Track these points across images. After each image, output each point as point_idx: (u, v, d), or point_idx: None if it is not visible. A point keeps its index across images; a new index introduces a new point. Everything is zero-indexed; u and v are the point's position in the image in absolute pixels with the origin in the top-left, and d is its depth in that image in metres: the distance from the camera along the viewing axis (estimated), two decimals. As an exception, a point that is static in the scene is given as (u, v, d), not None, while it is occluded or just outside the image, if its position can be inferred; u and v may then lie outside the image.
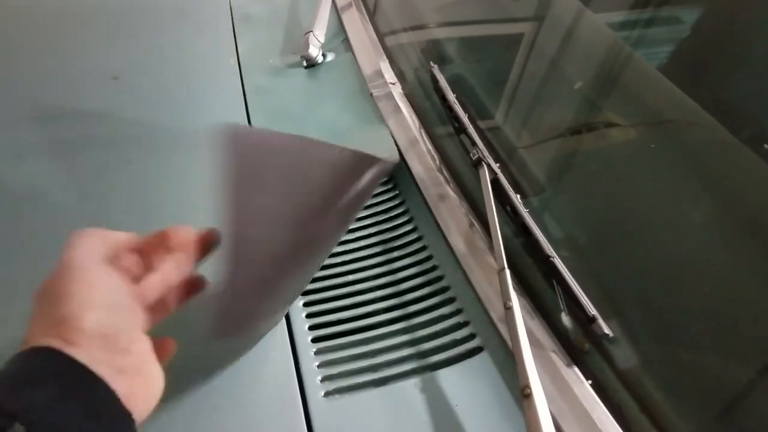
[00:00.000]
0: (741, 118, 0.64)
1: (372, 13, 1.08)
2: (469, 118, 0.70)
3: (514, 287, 0.53)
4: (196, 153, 0.72)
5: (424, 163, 0.73)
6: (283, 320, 0.58)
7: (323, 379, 0.53)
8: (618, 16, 0.85)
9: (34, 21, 1.08)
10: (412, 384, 0.53)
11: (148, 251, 0.43)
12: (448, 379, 0.53)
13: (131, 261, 0.42)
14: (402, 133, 0.78)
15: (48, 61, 0.96)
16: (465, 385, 0.53)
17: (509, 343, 0.54)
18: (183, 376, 0.51)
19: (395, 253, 0.65)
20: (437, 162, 0.73)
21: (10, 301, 0.46)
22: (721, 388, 0.49)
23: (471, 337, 0.57)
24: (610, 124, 0.71)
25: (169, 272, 0.43)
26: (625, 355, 0.52)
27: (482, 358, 0.55)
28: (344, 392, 0.52)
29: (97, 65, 0.94)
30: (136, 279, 0.41)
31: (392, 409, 0.51)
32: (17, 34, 1.04)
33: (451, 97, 0.73)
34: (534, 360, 0.50)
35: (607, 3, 0.87)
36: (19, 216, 0.69)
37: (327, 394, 0.52)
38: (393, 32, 1.03)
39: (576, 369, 0.52)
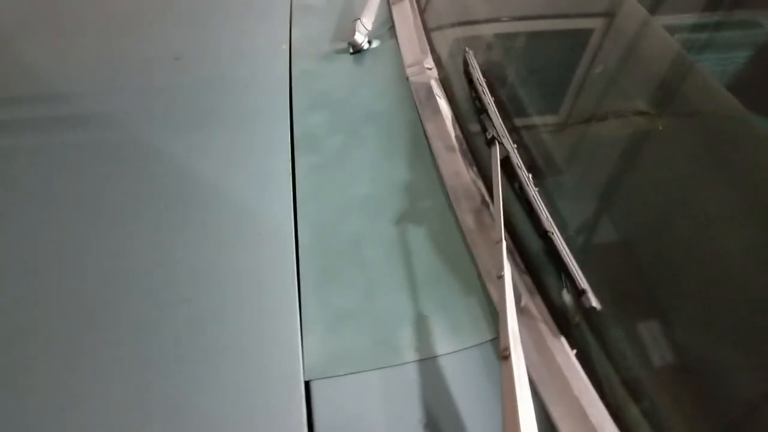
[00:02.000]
0: None
1: (423, 8, 1.10)
2: (494, 101, 0.72)
3: (508, 258, 0.55)
4: (239, 129, 0.79)
5: (445, 142, 0.75)
6: (296, 296, 0.61)
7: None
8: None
9: (108, 6, 1.18)
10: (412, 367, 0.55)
11: None
12: (449, 364, 0.55)
13: None
14: (430, 116, 0.81)
15: (119, 42, 1.06)
16: (465, 370, 0.54)
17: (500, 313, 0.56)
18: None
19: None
20: (459, 142, 0.75)
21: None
22: (703, 367, 0.48)
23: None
24: (622, 113, 0.71)
25: None
26: (612, 330, 0.52)
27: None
28: (345, 373, 0.54)
29: (163, 47, 1.02)
30: None
31: (391, 391, 0.53)
32: (93, 19, 1.15)
33: (478, 78, 0.75)
34: (522, 329, 0.51)
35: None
36: (89, 170, 0.77)
37: (327, 375, 0.54)
38: (438, 25, 1.05)
39: (563, 339, 0.53)
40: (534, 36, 0.95)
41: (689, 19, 0.84)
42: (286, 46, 1.03)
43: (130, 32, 1.09)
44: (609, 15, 0.89)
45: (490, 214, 0.65)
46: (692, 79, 0.74)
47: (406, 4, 1.11)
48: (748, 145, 0.62)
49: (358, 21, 1.00)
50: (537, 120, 0.76)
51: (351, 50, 1.00)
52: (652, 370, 0.49)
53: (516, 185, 0.63)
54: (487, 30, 1.00)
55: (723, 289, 0.51)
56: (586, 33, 0.83)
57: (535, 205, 0.59)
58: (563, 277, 0.55)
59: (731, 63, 0.74)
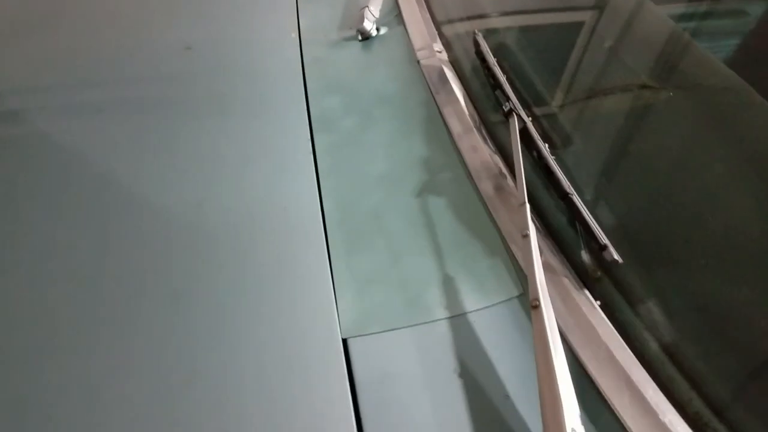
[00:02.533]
0: None
1: (426, -7, 1.14)
2: (505, 78, 0.75)
3: (532, 219, 0.58)
4: (254, 116, 0.81)
5: (461, 119, 0.78)
6: (326, 262, 0.64)
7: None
8: None
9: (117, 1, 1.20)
10: (443, 324, 0.57)
11: None
12: (479, 319, 0.58)
13: None
14: (444, 96, 0.84)
15: (131, 32, 1.08)
16: (494, 324, 0.57)
17: (525, 270, 0.60)
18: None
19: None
20: (475, 119, 0.78)
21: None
22: (714, 308, 0.52)
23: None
24: (638, 86, 0.74)
25: None
26: (632, 282, 0.56)
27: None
28: (379, 330, 0.57)
29: (174, 37, 1.05)
30: None
31: (424, 346, 0.56)
32: (105, 11, 1.17)
33: (491, 58, 0.78)
34: (547, 283, 0.54)
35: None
36: (99, 161, 0.79)
37: (362, 333, 0.57)
38: (444, 10, 1.08)
39: (586, 291, 0.56)
40: (538, 19, 0.98)
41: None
42: (295, 35, 1.06)
43: (139, 25, 1.11)
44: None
45: (509, 183, 0.68)
46: (690, 55, 0.77)
47: (410, -8, 1.14)
48: (745, 112, 0.66)
49: (366, 9, 1.04)
50: (546, 95, 0.79)
51: (360, 37, 1.03)
52: (670, 315, 0.53)
53: (534, 153, 0.66)
54: (493, 13, 1.03)
55: (727, 240, 0.54)
56: (590, 15, 0.87)
57: (555, 169, 0.62)
58: (584, 235, 0.59)
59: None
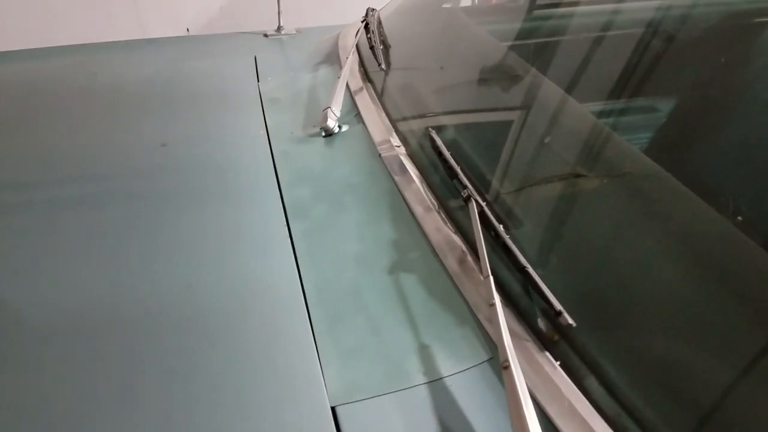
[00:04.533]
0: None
1: (380, 95, 1.26)
2: (459, 168, 0.86)
3: (496, 290, 0.66)
4: (233, 205, 0.88)
5: (423, 205, 0.88)
6: (311, 336, 0.69)
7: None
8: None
9: (97, 101, 1.27)
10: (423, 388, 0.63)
11: None
12: (455, 382, 0.64)
13: None
14: (406, 185, 0.93)
15: (107, 130, 1.14)
16: (469, 386, 0.63)
17: (493, 336, 0.67)
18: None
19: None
20: (435, 204, 0.88)
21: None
22: (661, 366, 0.60)
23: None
24: (574, 175, 0.86)
25: None
26: (586, 342, 0.63)
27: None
28: (365, 397, 0.62)
29: (150, 135, 1.11)
30: None
31: (407, 409, 0.61)
32: (80, 111, 1.23)
33: (446, 152, 0.89)
34: (513, 346, 0.61)
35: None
36: (86, 248, 0.83)
37: (350, 400, 0.62)
38: (398, 110, 1.21)
39: (547, 353, 0.64)
40: (483, 117, 1.12)
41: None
42: (263, 132, 1.15)
43: (115, 123, 1.17)
44: (540, 101, 1.07)
45: (472, 259, 0.76)
46: (615, 147, 0.90)
47: (366, 95, 1.27)
48: (665, 195, 0.77)
49: (329, 109, 1.14)
50: (496, 183, 0.90)
51: (323, 134, 1.13)
52: (621, 369, 0.60)
53: (492, 233, 0.75)
54: (441, 113, 1.16)
55: (659, 303, 0.64)
56: (530, 114, 1.00)
57: (511, 246, 0.71)
58: (541, 303, 0.67)
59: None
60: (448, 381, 0.64)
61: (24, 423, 0.59)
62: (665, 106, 1.03)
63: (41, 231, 0.86)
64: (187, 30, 2.92)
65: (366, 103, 1.23)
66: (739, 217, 0.66)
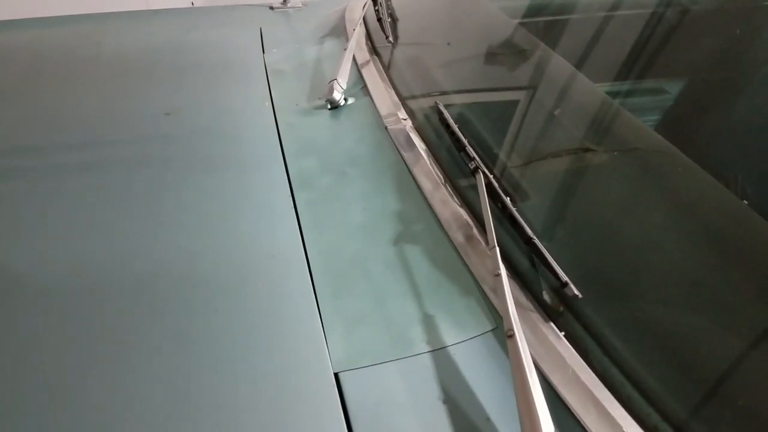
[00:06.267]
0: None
1: (387, 68, 1.25)
2: (467, 141, 0.85)
3: (501, 261, 0.66)
4: (237, 174, 0.87)
5: (430, 178, 0.87)
6: (314, 305, 0.68)
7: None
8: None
9: (101, 70, 1.26)
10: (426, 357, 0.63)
11: None
12: (458, 352, 0.64)
13: None
14: (413, 158, 0.93)
15: (112, 98, 1.13)
16: (472, 356, 0.63)
17: (497, 307, 0.67)
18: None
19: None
20: (441, 177, 0.87)
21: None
22: (666, 337, 0.60)
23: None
24: (582, 149, 0.85)
25: None
26: (591, 313, 0.63)
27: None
28: (368, 364, 0.62)
29: (154, 104, 1.10)
30: None
31: (410, 377, 0.61)
32: (85, 77, 1.22)
33: (453, 124, 0.88)
34: (518, 316, 0.61)
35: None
36: (91, 215, 0.82)
37: (352, 366, 0.62)
38: (405, 84, 1.19)
39: (552, 324, 0.63)
40: (486, 94, 1.10)
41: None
42: (268, 103, 1.14)
43: (119, 91, 1.16)
44: (549, 76, 1.06)
45: (477, 232, 0.76)
46: (625, 123, 0.89)
47: (373, 68, 1.25)
48: (673, 169, 0.77)
49: (335, 81, 1.13)
50: (504, 157, 0.89)
51: (329, 106, 1.12)
52: (625, 340, 0.60)
53: (498, 204, 0.74)
54: (449, 88, 1.15)
55: (664, 274, 0.64)
56: (540, 89, 0.99)
57: (518, 218, 0.71)
58: (547, 274, 0.66)
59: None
60: (451, 350, 0.64)
61: (24, 382, 0.59)
62: (675, 82, 1.02)
63: (46, 195, 0.85)
64: (192, 3, 2.89)
65: (372, 76, 1.22)
66: (747, 191, 0.65)
